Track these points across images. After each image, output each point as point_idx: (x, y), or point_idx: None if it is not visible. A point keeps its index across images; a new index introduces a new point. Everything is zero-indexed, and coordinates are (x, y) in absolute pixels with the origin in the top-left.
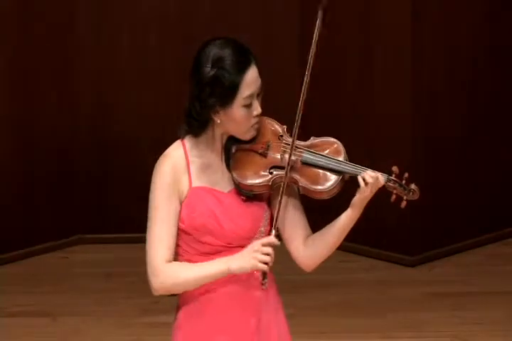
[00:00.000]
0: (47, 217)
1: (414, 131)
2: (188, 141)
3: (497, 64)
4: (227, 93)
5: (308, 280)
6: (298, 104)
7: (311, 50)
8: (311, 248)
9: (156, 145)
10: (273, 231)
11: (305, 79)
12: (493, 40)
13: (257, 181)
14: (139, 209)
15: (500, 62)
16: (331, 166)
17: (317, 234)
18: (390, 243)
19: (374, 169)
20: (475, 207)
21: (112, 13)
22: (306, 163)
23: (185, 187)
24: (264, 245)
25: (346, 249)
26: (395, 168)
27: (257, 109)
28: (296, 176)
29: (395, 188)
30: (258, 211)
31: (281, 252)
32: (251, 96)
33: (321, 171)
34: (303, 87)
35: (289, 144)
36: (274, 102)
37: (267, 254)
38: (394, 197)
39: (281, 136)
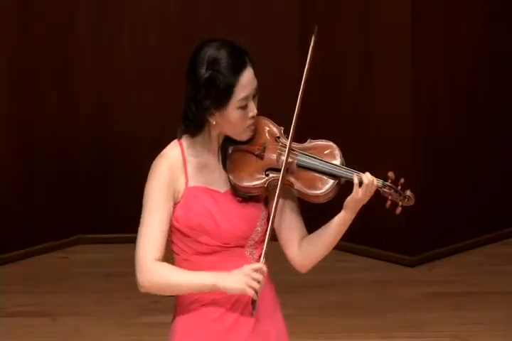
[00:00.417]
0: (47, 217)
1: (414, 131)
2: (185, 141)
3: (497, 65)
4: (222, 95)
5: (308, 280)
6: (295, 107)
7: (305, 71)
8: (307, 249)
9: (156, 145)
10: (262, 259)
11: (300, 92)
12: (493, 42)
13: (253, 183)
14: (138, 209)
15: (500, 63)
16: (326, 170)
17: (312, 235)
18: (390, 243)
19: (374, 169)
20: (475, 207)
21: (111, 13)
22: (302, 166)
23: (181, 186)
24: (254, 271)
25: (346, 249)
26: (390, 174)
27: (252, 110)
28: (292, 179)
29: (390, 194)
30: (254, 211)
31: (280, 252)
32: (246, 98)
33: (316, 175)
34: (300, 88)
35: (285, 146)
36: (274, 102)
37: (257, 281)
38: (389, 203)
39: (278, 137)
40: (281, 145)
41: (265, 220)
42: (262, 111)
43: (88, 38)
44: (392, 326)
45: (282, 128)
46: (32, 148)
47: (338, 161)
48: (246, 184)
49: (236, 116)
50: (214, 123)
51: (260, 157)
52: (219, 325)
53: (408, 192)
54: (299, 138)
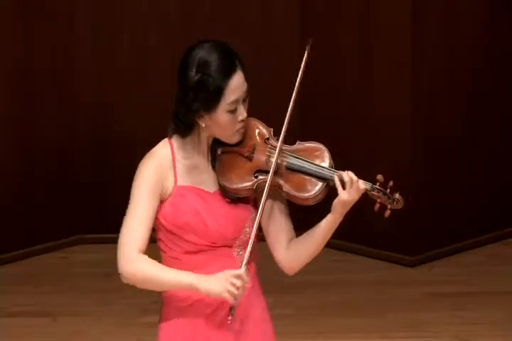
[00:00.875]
0: (47, 217)
1: (414, 131)
2: (175, 141)
3: (497, 65)
4: (212, 98)
5: (308, 280)
6: (287, 111)
7: (297, 80)
8: (294, 251)
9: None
10: (244, 266)
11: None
12: (493, 40)
13: (242, 185)
14: None
15: (500, 63)
16: (315, 172)
17: (300, 238)
18: (390, 243)
19: (374, 169)
20: (475, 207)
21: (111, 13)
22: (291, 169)
23: (170, 185)
24: (235, 277)
25: (346, 249)
26: (379, 177)
27: (242, 114)
28: (281, 181)
29: (379, 197)
30: (243, 212)
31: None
32: (236, 101)
33: (305, 177)
34: (292, 96)
35: (274, 148)
36: (274, 102)
37: (237, 287)
38: (378, 205)
39: (268, 139)
40: (270, 147)
41: (254, 221)
42: (263, 111)
43: (88, 38)
44: (392, 326)
45: (272, 129)
46: (32, 148)
47: (326, 163)
48: (235, 185)
49: (225, 120)
50: (203, 125)
51: (249, 159)
52: (205, 326)
53: (397, 195)
54: (287, 141)
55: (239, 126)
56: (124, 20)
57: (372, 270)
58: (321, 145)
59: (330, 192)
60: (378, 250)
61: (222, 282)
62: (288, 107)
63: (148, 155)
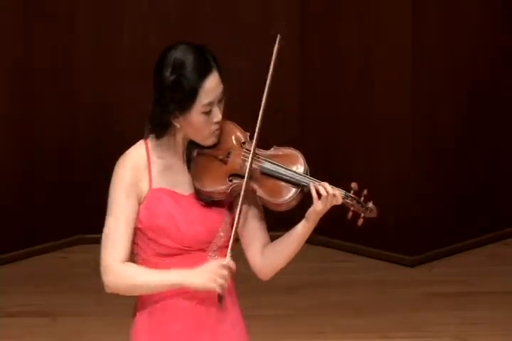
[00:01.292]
0: (47, 217)
1: (414, 131)
2: (150, 142)
3: (497, 64)
4: (186, 99)
5: (307, 280)
6: (258, 115)
7: (269, 72)
8: (268, 257)
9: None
10: (228, 254)
11: (264, 96)
12: (493, 40)
13: (216, 189)
14: None
15: (500, 61)
16: (289, 178)
17: (274, 243)
18: (390, 243)
19: (374, 169)
20: (475, 207)
21: (112, 13)
22: (266, 174)
23: (145, 187)
24: (220, 267)
25: (346, 249)
26: (353, 185)
27: (217, 116)
28: (255, 186)
29: (352, 205)
30: (217, 216)
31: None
32: (211, 103)
33: (279, 183)
34: (263, 98)
35: (249, 152)
36: (274, 102)
37: (223, 277)
38: (351, 214)
39: (244, 143)
40: (245, 152)
41: (228, 225)
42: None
43: (88, 38)
44: (392, 326)
45: (248, 134)
46: (32, 148)
47: (301, 170)
48: (209, 189)
49: (200, 121)
50: (178, 126)
51: (224, 162)
52: (180, 325)
53: (370, 204)
54: (264, 146)
55: (214, 127)
56: (124, 20)
57: (372, 270)
58: (296, 152)
59: (302, 201)
60: (378, 250)
61: (208, 274)
62: (260, 110)
63: (123, 156)
